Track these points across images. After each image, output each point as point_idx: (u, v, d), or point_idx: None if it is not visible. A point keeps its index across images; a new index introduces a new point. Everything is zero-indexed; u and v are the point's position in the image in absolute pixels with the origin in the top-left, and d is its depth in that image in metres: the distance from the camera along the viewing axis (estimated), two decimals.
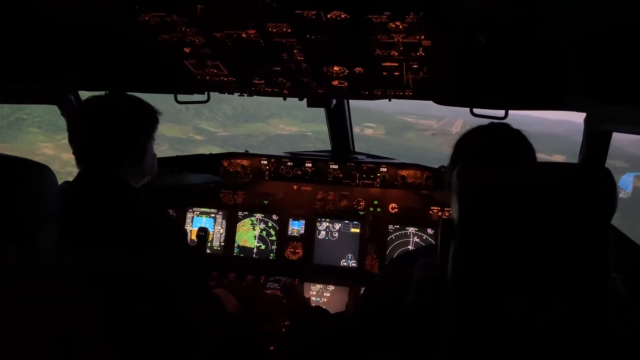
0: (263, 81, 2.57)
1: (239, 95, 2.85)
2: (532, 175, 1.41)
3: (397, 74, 2.31)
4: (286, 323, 3.06)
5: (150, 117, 2.16)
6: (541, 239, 1.39)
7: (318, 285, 3.39)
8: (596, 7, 1.66)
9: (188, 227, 3.66)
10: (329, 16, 1.85)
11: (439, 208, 3.43)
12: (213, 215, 3.67)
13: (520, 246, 1.40)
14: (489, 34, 1.98)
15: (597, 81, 2.05)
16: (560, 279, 1.39)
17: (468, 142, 1.81)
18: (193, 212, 3.68)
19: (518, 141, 1.74)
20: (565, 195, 1.35)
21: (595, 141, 2.47)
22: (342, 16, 1.84)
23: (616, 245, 1.40)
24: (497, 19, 1.89)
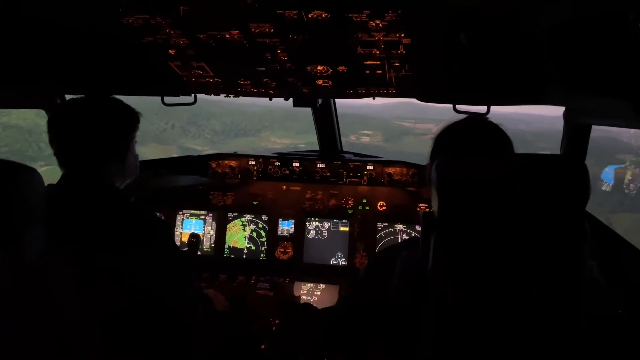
0: (248, 82, 2.60)
1: (225, 97, 2.87)
2: (508, 167, 1.45)
3: (379, 72, 2.35)
4: (277, 322, 3.08)
5: (131, 117, 2.18)
6: (518, 228, 1.42)
7: (308, 284, 3.41)
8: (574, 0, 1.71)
9: (178, 230, 3.67)
10: (310, 15, 1.88)
11: (426, 205, 3.47)
12: (203, 217, 3.68)
13: (499, 236, 1.44)
14: (468, 29, 2.02)
15: (574, 75, 2.10)
16: (537, 267, 1.42)
17: (446, 137, 1.84)
18: (183, 214, 3.69)
19: (495, 134, 1.78)
20: (539, 186, 1.39)
21: (575, 134, 2.51)
22: (323, 15, 1.87)
23: (594, 233, 1.44)
24: (476, 14, 1.93)
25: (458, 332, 1.45)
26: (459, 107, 2.56)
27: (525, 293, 1.41)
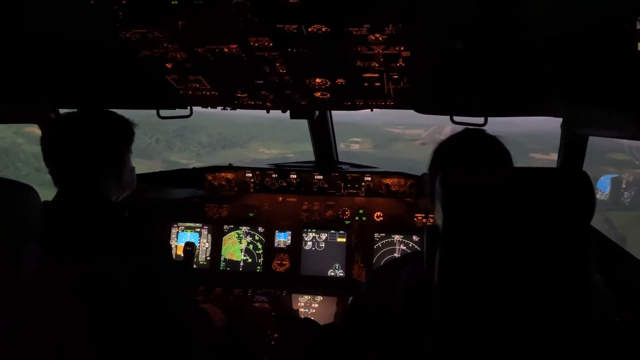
0: (246, 94, 2.59)
1: (222, 109, 2.86)
2: (514, 181, 1.45)
3: (378, 84, 2.35)
4: (275, 335, 3.05)
5: (127, 129, 2.15)
6: (524, 242, 1.41)
7: (306, 297, 3.39)
8: (569, 11, 1.72)
9: (173, 243, 3.63)
10: (310, 29, 1.87)
11: (423, 215, 3.46)
12: (198, 229, 3.64)
13: (505, 251, 1.43)
14: (466, 41, 2.03)
15: (572, 86, 2.11)
16: (544, 282, 1.42)
17: (446, 149, 1.84)
18: (178, 227, 3.65)
19: (494, 146, 1.78)
20: (545, 200, 1.39)
21: (572, 145, 2.53)
22: (323, 29, 1.87)
23: (597, 246, 1.44)
24: (474, 26, 1.94)
25: (465, 346, 1.44)
26: (456, 118, 2.57)
27: (534, 306, 1.40)
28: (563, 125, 2.49)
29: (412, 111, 2.76)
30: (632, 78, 1.78)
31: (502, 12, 1.80)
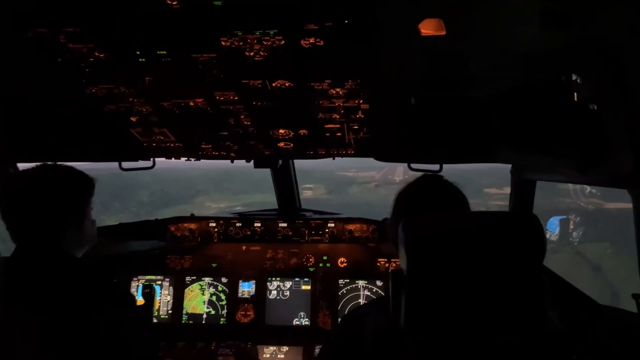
0: (210, 145, 2.63)
1: (185, 160, 2.88)
2: (471, 224, 1.53)
3: (339, 134, 2.46)
4: None
5: (86, 184, 2.14)
6: (484, 283, 1.49)
7: (271, 347, 3.32)
8: (512, 69, 1.89)
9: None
10: (274, 84, 1.96)
11: (385, 260, 3.52)
12: (160, 282, 3.55)
13: (467, 292, 1.49)
14: (421, 96, 2.17)
15: (519, 136, 2.28)
16: (504, 319, 1.48)
17: (408, 196, 1.93)
18: (138, 280, 3.55)
19: (452, 192, 1.88)
20: (501, 243, 1.48)
21: (522, 189, 2.69)
22: (287, 84, 1.96)
23: (551, 285, 1.53)
24: (427, 83, 2.09)
25: None
26: (413, 165, 2.70)
27: (498, 343, 1.45)
28: (512, 172, 2.66)
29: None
30: (571, 127, 1.95)
31: (452, 72, 1.95)
